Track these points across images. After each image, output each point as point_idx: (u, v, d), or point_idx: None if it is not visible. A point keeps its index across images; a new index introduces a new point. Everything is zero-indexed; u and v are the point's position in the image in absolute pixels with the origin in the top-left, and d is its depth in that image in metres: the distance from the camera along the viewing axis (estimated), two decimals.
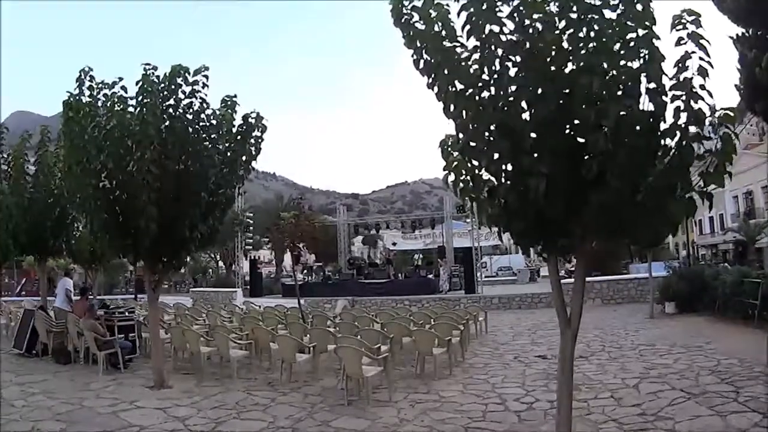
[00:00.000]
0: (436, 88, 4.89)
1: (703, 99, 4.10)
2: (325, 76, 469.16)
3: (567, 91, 4.33)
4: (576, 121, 4.42)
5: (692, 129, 4.16)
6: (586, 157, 4.32)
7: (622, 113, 4.10)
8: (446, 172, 5.21)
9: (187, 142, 8.95)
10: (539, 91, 4.37)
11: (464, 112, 4.78)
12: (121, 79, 9.00)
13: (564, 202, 4.45)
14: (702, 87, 4.09)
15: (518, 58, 4.47)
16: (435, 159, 5.25)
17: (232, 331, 11.62)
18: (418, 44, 4.90)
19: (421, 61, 4.92)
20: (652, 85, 4.21)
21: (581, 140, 4.38)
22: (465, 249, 29.20)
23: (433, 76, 4.89)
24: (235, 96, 9.69)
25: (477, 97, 4.69)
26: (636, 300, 21.84)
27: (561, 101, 4.32)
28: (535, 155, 4.47)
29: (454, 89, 4.76)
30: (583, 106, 4.22)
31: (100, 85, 9.03)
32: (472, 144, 4.88)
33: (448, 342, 10.30)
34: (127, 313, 12.44)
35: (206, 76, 9.21)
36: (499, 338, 14.77)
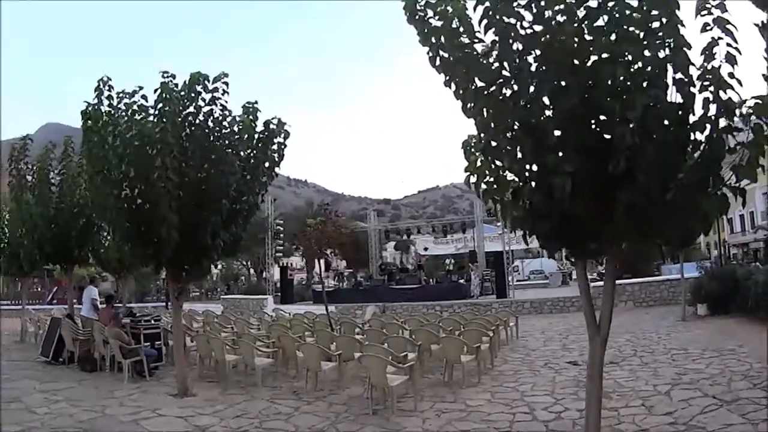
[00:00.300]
0: (453, 86, 4.71)
1: (732, 88, 3.84)
2: (357, 79, 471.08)
3: (590, 83, 4.09)
4: (601, 116, 4.19)
5: (722, 121, 3.89)
6: (612, 154, 4.06)
7: (648, 104, 3.85)
8: (468, 173, 5.03)
9: (207, 150, 8.92)
10: (561, 84, 4.15)
11: (484, 110, 4.59)
12: (141, 88, 8.99)
13: (591, 201, 4.22)
14: (731, 75, 3.83)
15: (538, 52, 4.25)
16: (465, 163, 5.08)
17: (259, 339, 11.55)
18: (434, 41, 4.72)
19: (438, 59, 4.74)
20: (679, 76, 3.96)
21: (607, 136, 4.13)
22: (496, 253, 28.79)
23: (450, 73, 4.71)
24: (256, 102, 9.64)
25: (497, 95, 4.49)
26: (668, 302, 21.25)
27: (585, 95, 4.08)
28: (560, 153, 4.25)
29: (472, 86, 4.57)
30: (608, 99, 3.97)
31: (121, 95, 9.03)
32: (494, 143, 4.69)
33: (477, 349, 10.04)
34: (153, 321, 12.46)
35: (226, 83, 9.20)
36: (530, 344, 14.44)
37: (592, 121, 4.22)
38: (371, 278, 34.87)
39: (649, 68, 3.92)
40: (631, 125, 3.83)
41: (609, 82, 3.96)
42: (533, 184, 4.60)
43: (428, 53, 4.76)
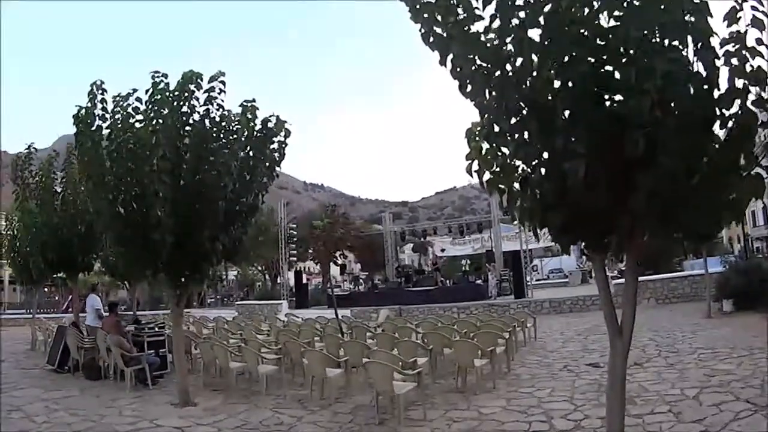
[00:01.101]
0: (449, 65, 4.25)
1: (762, 55, 3.35)
2: (372, 82, 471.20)
3: (601, 53, 3.60)
4: (615, 90, 3.69)
5: (752, 92, 3.40)
6: (629, 133, 3.55)
7: (669, 71, 3.34)
8: (470, 161, 4.58)
9: (202, 150, 8.55)
10: (569, 55, 3.67)
11: (486, 91, 4.13)
12: (135, 90, 8.72)
13: (607, 188, 3.73)
14: (759, 42, 3.35)
15: (542, 21, 3.77)
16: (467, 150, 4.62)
17: (265, 345, 11.18)
18: (426, 16, 4.26)
19: (431, 36, 4.28)
20: (700, 44, 3.47)
21: (623, 113, 3.64)
22: (514, 252, 28.37)
23: (445, 51, 4.24)
24: (254, 100, 9.24)
25: (498, 72, 4.03)
26: (691, 298, 20.51)
27: (595, 65, 3.60)
28: (570, 134, 3.78)
29: (472, 66, 4.12)
30: (622, 66, 3.48)
31: (117, 98, 8.75)
32: (497, 128, 4.23)
33: (492, 353, 9.56)
34: (157, 329, 12.19)
35: (223, 82, 8.85)
36: (548, 345, 13.89)
37: (605, 96, 3.72)
38: (387, 281, 34.59)
39: (667, 28, 3.42)
40: (650, 94, 3.32)
41: (622, 45, 3.47)
42: (542, 171, 4.13)
43: (420, 30, 4.31)
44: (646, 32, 3.48)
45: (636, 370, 9.35)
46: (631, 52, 3.48)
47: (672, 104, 3.40)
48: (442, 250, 41.99)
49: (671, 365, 9.89)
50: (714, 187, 3.53)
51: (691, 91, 3.45)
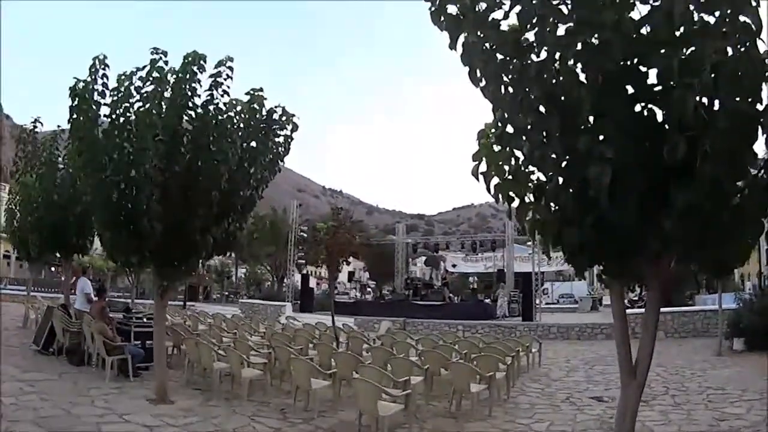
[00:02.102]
0: (459, 48, 3.70)
1: None
2: (397, 94, 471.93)
3: (637, 38, 3.02)
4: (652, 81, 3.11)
5: None
6: (667, 135, 2.98)
7: (721, 59, 2.74)
8: (476, 162, 4.03)
9: (202, 137, 8.08)
10: (598, 41, 3.10)
11: (500, 80, 3.59)
12: (139, 69, 8.25)
13: (636, 201, 3.16)
14: None
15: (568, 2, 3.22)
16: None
17: (254, 348, 10.65)
18: None
19: (441, 15, 3.74)
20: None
21: (660, 111, 3.05)
22: (525, 274, 27.81)
23: (456, 32, 3.70)
24: (261, 90, 8.77)
25: (516, 61, 3.49)
26: (701, 334, 19.81)
27: (628, 52, 3.02)
28: (596, 135, 3.23)
29: (485, 50, 3.58)
30: (661, 52, 2.89)
31: (121, 77, 8.30)
32: (511, 128, 3.69)
33: (491, 378, 8.94)
34: (145, 320, 11.71)
35: (231, 68, 8.41)
36: (553, 373, 13.22)
37: (640, 89, 3.14)
38: (395, 292, 34.13)
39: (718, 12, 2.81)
40: (694, 86, 2.73)
41: (664, 27, 2.88)
42: (560, 179, 3.57)
43: (430, 8, 3.77)
44: (692, 8, 2.87)
45: (641, 408, 8.64)
46: (676, 34, 2.88)
47: (721, 102, 2.81)
48: (453, 266, 41.48)
49: (678, 405, 9.26)
50: (756, 207, 2.94)
51: (745, 83, 2.84)
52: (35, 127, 14.30)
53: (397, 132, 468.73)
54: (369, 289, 39.38)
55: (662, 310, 20.50)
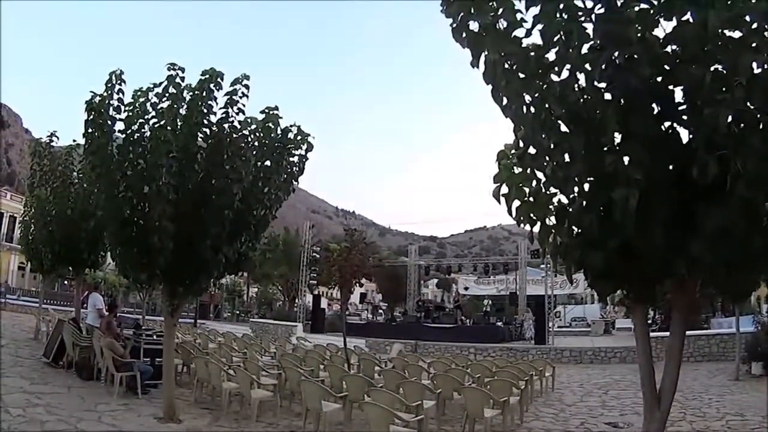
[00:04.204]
0: (481, 66, 3.62)
1: None
2: (411, 116, 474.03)
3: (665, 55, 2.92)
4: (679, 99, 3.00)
5: None
6: (698, 153, 2.84)
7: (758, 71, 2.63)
8: (497, 184, 3.93)
9: (217, 155, 8.05)
10: (625, 56, 3.00)
11: (522, 98, 3.49)
12: (156, 85, 8.28)
13: (662, 224, 3.05)
14: None
15: (593, 19, 3.13)
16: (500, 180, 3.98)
17: (264, 369, 10.52)
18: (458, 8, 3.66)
19: (463, 32, 3.66)
20: None
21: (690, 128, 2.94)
22: (538, 297, 27.54)
23: (478, 49, 3.61)
24: (276, 108, 8.75)
25: (539, 79, 3.40)
26: (718, 358, 19.31)
27: (657, 68, 2.92)
28: (622, 156, 3.10)
29: (505, 65, 3.49)
30: (692, 67, 2.77)
31: (137, 92, 8.33)
32: (532, 149, 3.59)
33: (505, 403, 8.74)
34: (155, 336, 11.63)
35: (247, 86, 8.40)
36: (566, 397, 12.95)
37: (665, 108, 3.03)
38: (406, 314, 33.93)
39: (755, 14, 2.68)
40: (728, 102, 2.61)
41: (696, 39, 2.77)
42: (583, 200, 3.46)
43: (451, 25, 3.69)
44: (729, 18, 2.75)
45: None
46: (706, 49, 2.77)
47: (755, 119, 2.69)
48: (466, 289, 41.21)
49: None
50: None
51: None
52: (51, 140, 14.42)
53: (412, 156, 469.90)
54: (380, 311, 39.09)
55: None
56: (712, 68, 2.78)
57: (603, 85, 3.14)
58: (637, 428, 9.30)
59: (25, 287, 41.27)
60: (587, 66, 3.10)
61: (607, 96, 3.13)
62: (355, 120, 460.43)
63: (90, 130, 8.13)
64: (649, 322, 29.13)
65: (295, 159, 9.04)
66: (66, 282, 38.38)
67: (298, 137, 8.90)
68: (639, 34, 3.03)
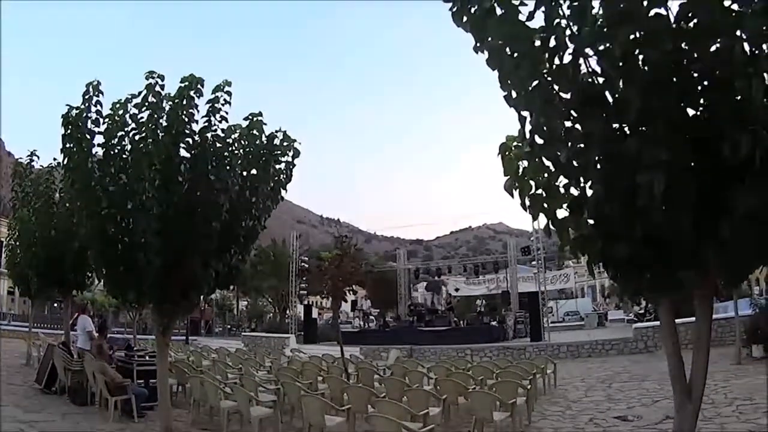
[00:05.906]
0: (485, 53, 3.39)
1: None
2: (393, 120, 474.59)
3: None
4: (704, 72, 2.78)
5: None
6: (727, 133, 2.62)
7: None
8: (508, 177, 3.70)
9: (202, 166, 7.75)
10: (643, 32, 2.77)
11: (532, 81, 3.25)
12: (134, 96, 7.95)
13: (690, 208, 2.82)
14: None
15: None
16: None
17: (261, 385, 10.22)
18: None
19: (464, 16, 3.43)
20: None
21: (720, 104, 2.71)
22: (530, 294, 27.46)
23: (481, 35, 3.38)
24: (260, 114, 8.46)
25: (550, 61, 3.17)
26: (716, 344, 19.15)
27: (681, 41, 2.70)
28: (646, 136, 2.88)
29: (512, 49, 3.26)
30: (716, 40, 2.56)
31: (115, 105, 8.01)
32: (539, 140, 3.34)
33: (512, 405, 8.50)
34: (147, 357, 11.28)
35: (229, 93, 8.10)
36: (570, 394, 12.78)
37: (689, 85, 2.81)
38: (399, 319, 33.73)
39: None
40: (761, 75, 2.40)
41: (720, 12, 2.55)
42: (603, 188, 3.21)
43: (451, 8, 3.46)
44: None
45: (670, 423, 8.29)
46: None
47: None
48: (456, 290, 41.09)
49: (709, 419, 8.82)
50: None
51: None
52: (32, 160, 14.11)
53: (393, 161, 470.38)
54: (371, 317, 38.79)
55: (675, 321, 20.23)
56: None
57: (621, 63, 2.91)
58: (646, 420, 9.13)
59: (16, 312, 40.63)
60: (606, 44, 2.87)
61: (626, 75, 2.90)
62: (332, 124, 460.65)
63: (68, 145, 7.78)
64: (642, 312, 29.03)
65: (282, 166, 8.75)
66: (56, 305, 37.72)
67: (285, 143, 8.58)
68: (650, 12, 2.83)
